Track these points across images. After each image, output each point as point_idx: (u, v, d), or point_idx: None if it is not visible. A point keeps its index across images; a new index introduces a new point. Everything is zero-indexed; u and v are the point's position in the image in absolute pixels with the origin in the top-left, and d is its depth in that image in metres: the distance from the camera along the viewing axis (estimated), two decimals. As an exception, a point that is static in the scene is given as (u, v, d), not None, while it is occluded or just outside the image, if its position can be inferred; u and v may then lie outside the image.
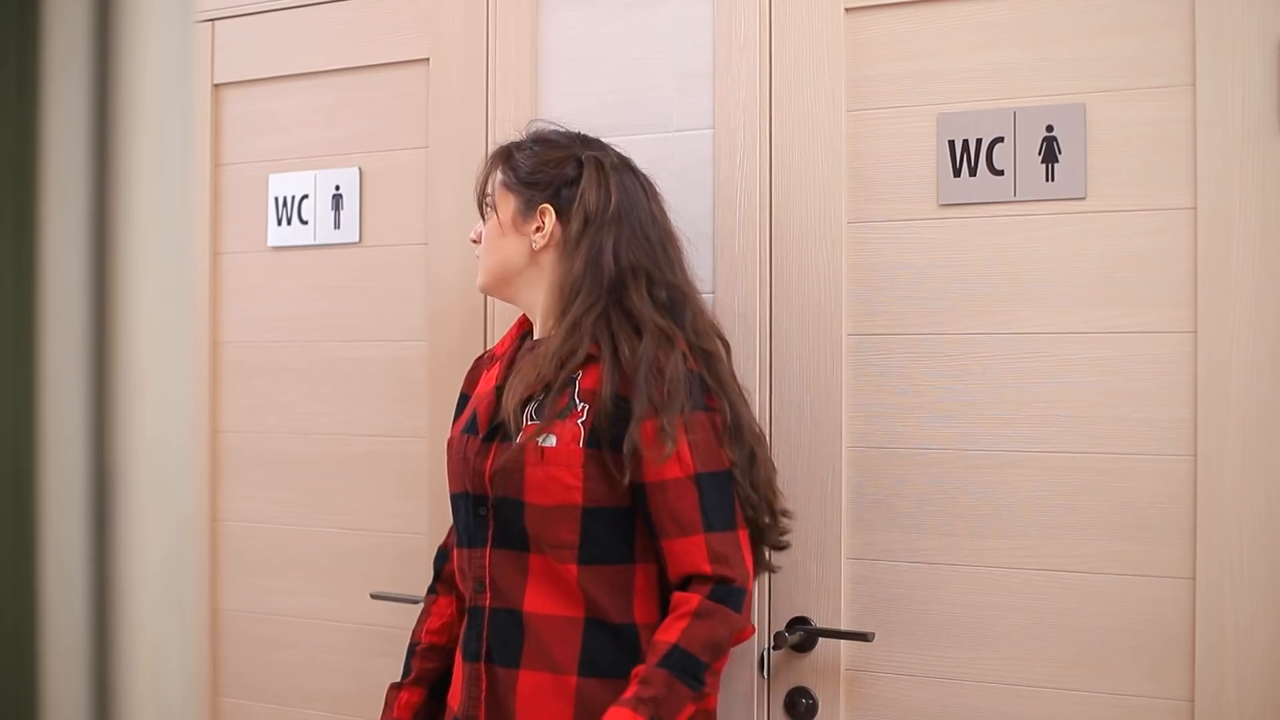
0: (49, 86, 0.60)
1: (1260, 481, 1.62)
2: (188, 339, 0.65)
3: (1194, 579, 1.65)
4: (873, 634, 1.82)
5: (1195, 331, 1.66)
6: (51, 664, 0.60)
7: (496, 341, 1.95)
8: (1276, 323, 1.62)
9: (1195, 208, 1.66)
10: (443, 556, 1.91)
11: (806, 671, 1.89)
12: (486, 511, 1.68)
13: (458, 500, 1.75)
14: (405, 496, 2.21)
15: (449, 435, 1.84)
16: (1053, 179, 1.75)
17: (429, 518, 2.17)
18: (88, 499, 0.61)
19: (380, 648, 2.23)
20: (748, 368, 1.91)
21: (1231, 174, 1.64)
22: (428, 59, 2.21)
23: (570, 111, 2.09)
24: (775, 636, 1.86)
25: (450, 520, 1.84)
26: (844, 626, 1.86)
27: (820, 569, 1.88)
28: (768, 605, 1.91)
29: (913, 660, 1.83)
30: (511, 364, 1.79)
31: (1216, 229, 1.65)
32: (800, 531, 1.88)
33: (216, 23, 2.41)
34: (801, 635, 1.86)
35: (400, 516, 2.22)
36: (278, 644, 2.35)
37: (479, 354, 1.99)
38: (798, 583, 1.90)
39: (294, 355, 2.35)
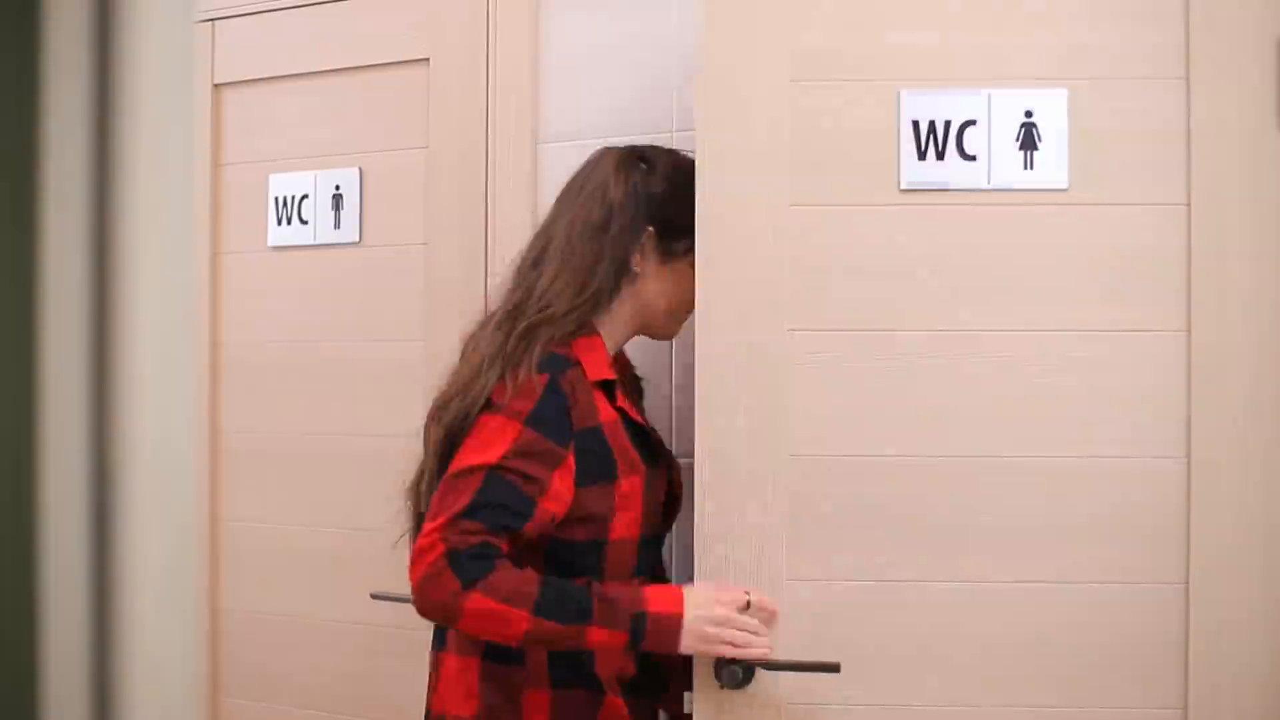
0: (49, 86, 0.60)
1: (1256, 484, 1.60)
2: (188, 339, 0.65)
3: (1187, 584, 1.60)
4: (838, 664, 1.57)
5: (1189, 331, 1.61)
6: (51, 664, 0.60)
7: (579, 365, 1.65)
8: (1272, 322, 1.61)
9: (1189, 204, 1.61)
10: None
11: (741, 709, 1.62)
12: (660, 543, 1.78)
13: (644, 544, 1.68)
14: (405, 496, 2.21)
15: (629, 478, 1.64)
16: (1031, 167, 1.64)
17: (429, 518, 2.17)
18: (88, 499, 0.61)
19: (380, 648, 2.23)
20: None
21: (1229, 171, 1.61)
22: (428, 59, 2.21)
23: (570, 112, 2.09)
24: (722, 671, 1.58)
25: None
26: (787, 657, 1.60)
27: (759, 593, 1.61)
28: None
29: (874, 690, 1.62)
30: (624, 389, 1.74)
31: (1211, 226, 1.61)
32: (732, 553, 1.64)
33: (216, 23, 2.41)
34: (743, 669, 1.58)
35: (400, 516, 2.21)
36: (278, 644, 2.35)
37: (562, 380, 1.62)
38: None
39: (294, 355, 2.35)
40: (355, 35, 2.28)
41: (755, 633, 1.56)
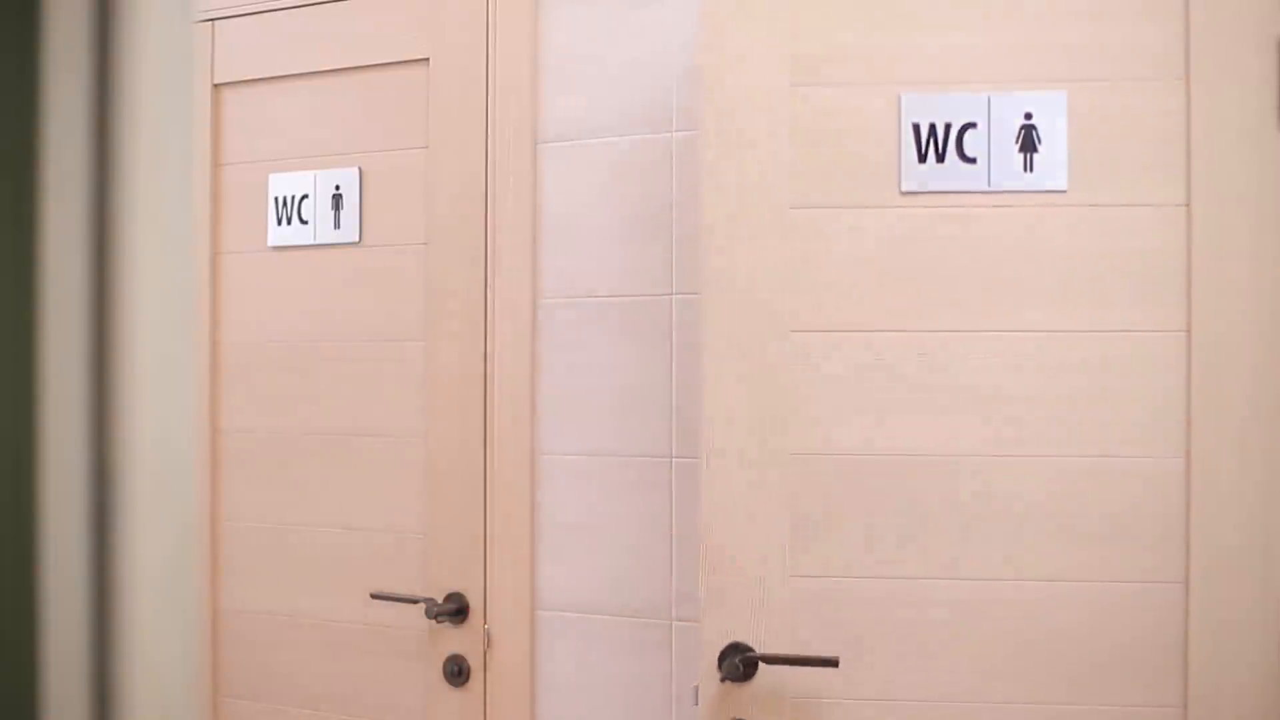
0: (49, 86, 0.60)
1: (1256, 484, 1.61)
2: (188, 339, 0.65)
3: (1186, 583, 1.62)
4: (836, 659, 1.61)
5: (1189, 331, 1.63)
6: (51, 664, 0.60)
7: None
8: (1273, 322, 1.61)
9: (1189, 204, 1.63)
10: None
11: (746, 703, 1.67)
12: None
13: None
14: (404, 496, 2.21)
15: None
16: (1031, 169, 1.67)
17: (427, 517, 2.17)
18: (88, 499, 0.60)
19: (380, 648, 2.23)
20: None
21: (1229, 171, 1.62)
22: (428, 59, 2.22)
23: (570, 112, 2.09)
24: (723, 664, 1.64)
25: None
26: (788, 651, 1.65)
27: (762, 589, 1.67)
28: (698, 630, 1.76)
29: (874, 685, 1.66)
30: None
31: (1212, 227, 1.62)
32: (737, 549, 1.69)
33: (216, 23, 2.41)
34: (743, 663, 1.63)
35: (399, 516, 2.22)
36: (278, 644, 2.35)
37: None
38: (734, 605, 1.67)
39: (294, 355, 2.35)
40: (355, 35, 2.28)
41: None
